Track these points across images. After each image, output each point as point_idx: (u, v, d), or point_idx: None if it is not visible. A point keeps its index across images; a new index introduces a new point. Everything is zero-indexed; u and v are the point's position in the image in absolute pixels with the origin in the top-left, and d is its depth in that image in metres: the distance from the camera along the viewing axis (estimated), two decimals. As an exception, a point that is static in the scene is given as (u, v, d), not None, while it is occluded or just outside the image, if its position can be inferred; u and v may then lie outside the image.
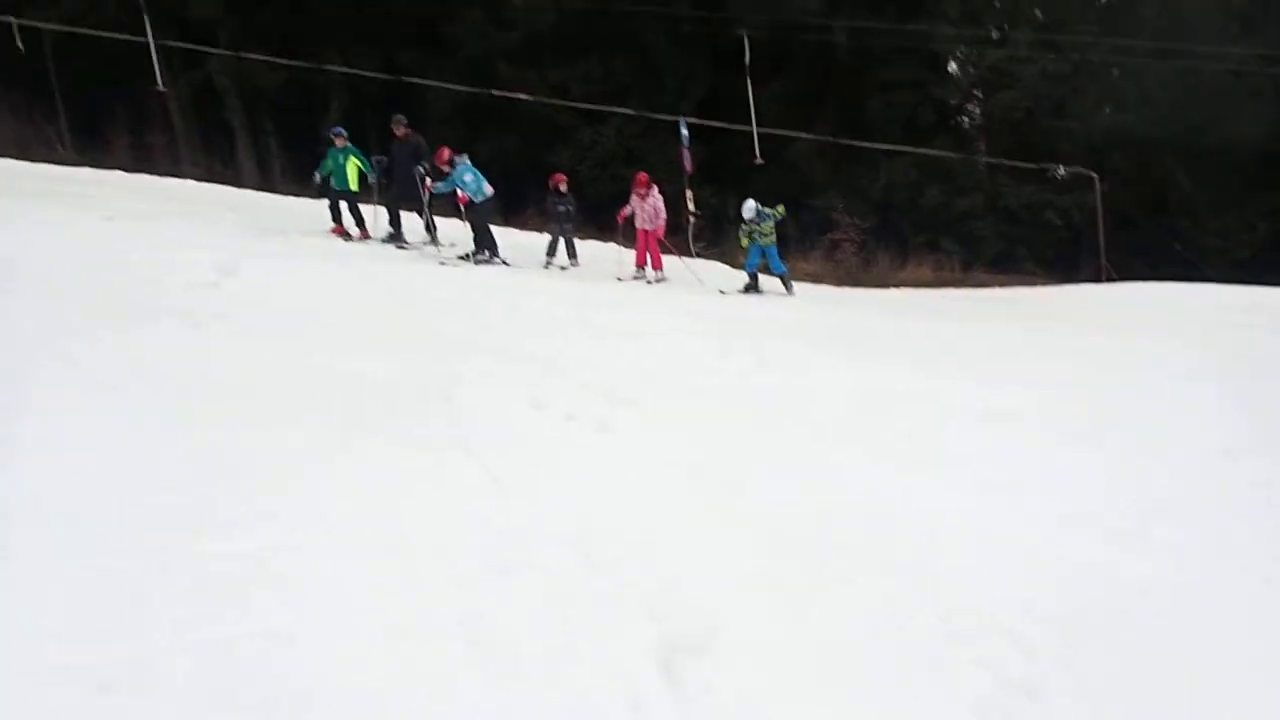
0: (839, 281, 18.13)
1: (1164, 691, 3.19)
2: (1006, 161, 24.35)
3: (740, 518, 4.26)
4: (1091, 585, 3.87)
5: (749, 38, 21.51)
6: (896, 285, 18.21)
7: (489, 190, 13.11)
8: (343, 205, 13.55)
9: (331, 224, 13.53)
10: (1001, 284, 19.36)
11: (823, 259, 21.48)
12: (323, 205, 14.14)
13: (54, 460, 3.92)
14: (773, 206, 13.59)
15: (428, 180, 13.31)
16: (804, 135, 23.44)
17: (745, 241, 13.57)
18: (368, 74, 23.83)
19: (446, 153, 13.41)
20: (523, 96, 22.41)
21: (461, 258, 12.77)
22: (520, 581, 3.41)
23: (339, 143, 13.42)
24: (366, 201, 13.77)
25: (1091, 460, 5.58)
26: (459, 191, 13.01)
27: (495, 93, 22.37)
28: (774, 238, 13.50)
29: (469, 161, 13.23)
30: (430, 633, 3.01)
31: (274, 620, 3.00)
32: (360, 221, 13.61)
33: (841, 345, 8.94)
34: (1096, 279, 21.36)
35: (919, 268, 21.10)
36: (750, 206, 13.54)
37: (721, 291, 13.22)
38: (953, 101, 26.26)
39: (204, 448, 4.33)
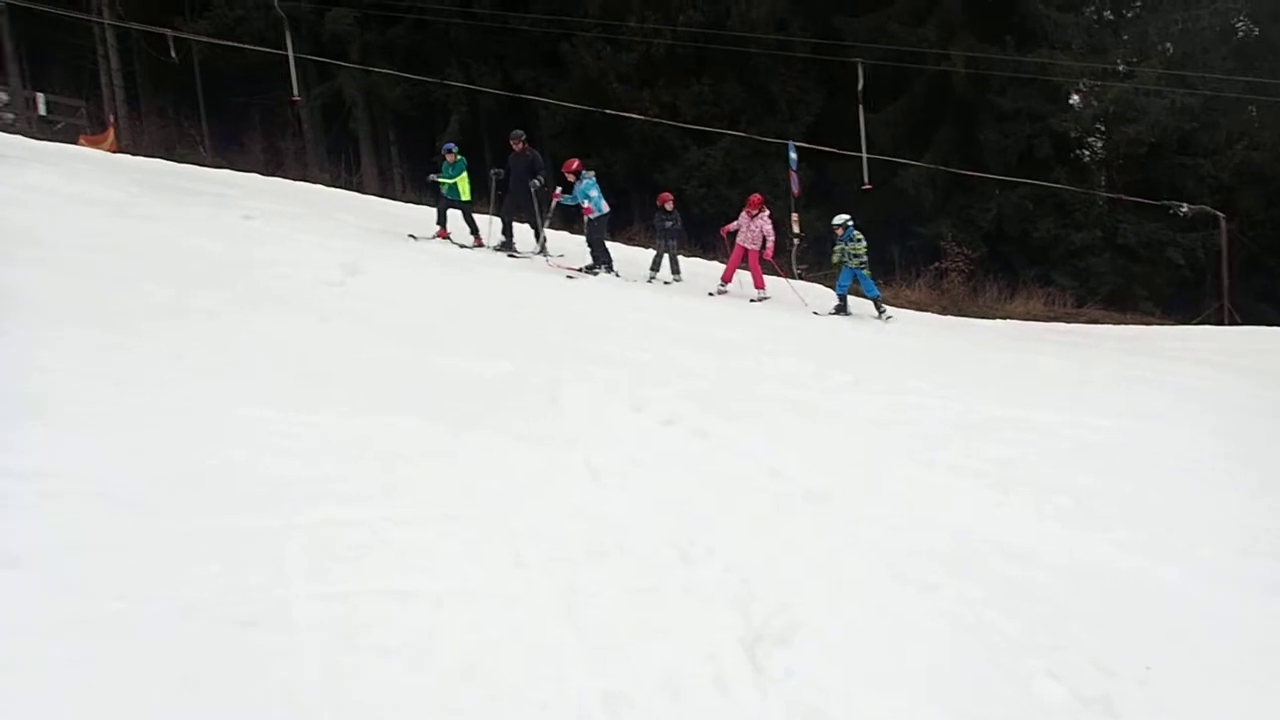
0: (943, 310, 17.89)
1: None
2: (1127, 197, 23.60)
3: (827, 525, 4.39)
4: (1177, 616, 3.85)
5: (862, 65, 21.47)
6: (1003, 317, 17.84)
7: (605, 207, 13.50)
8: (452, 213, 14.16)
9: (437, 226, 14.07)
10: (1116, 321, 18.76)
11: (928, 287, 21.20)
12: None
13: (207, 441, 4.34)
14: (860, 232, 13.68)
15: (558, 190, 13.82)
16: (915, 163, 23.22)
17: (835, 258, 13.61)
18: (486, 90, 24.72)
19: (576, 163, 13.83)
20: (635, 116, 22.87)
21: (577, 270, 13.12)
22: (616, 566, 3.63)
23: (450, 158, 14.03)
24: (480, 211, 14.33)
25: (1189, 494, 5.49)
26: (584, 204, 13.34)
27: (608, 112, 22.90)
28: (865, 259, 13.50)
29: (594, 177, 13.65)
30: (533, 604, 3.25)
31: (391, 582, 3.28)
32: (474, 230, 14.11)
33: (941, 371, 8.92)
34: (1219, 321, 20.48)
35: (1029, 301, 20.59)
36: (842, 217, 13.61)
37: (815, 312, 13.25)
38: (1073, 134, 25.57)
39: (329, 428, 4.71)
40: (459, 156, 14.10)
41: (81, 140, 22.39)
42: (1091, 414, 7.26)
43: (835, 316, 13.20)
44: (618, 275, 13.22)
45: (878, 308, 13.69)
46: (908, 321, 14.61)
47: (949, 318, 16.51)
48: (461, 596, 3.22)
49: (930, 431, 6.41)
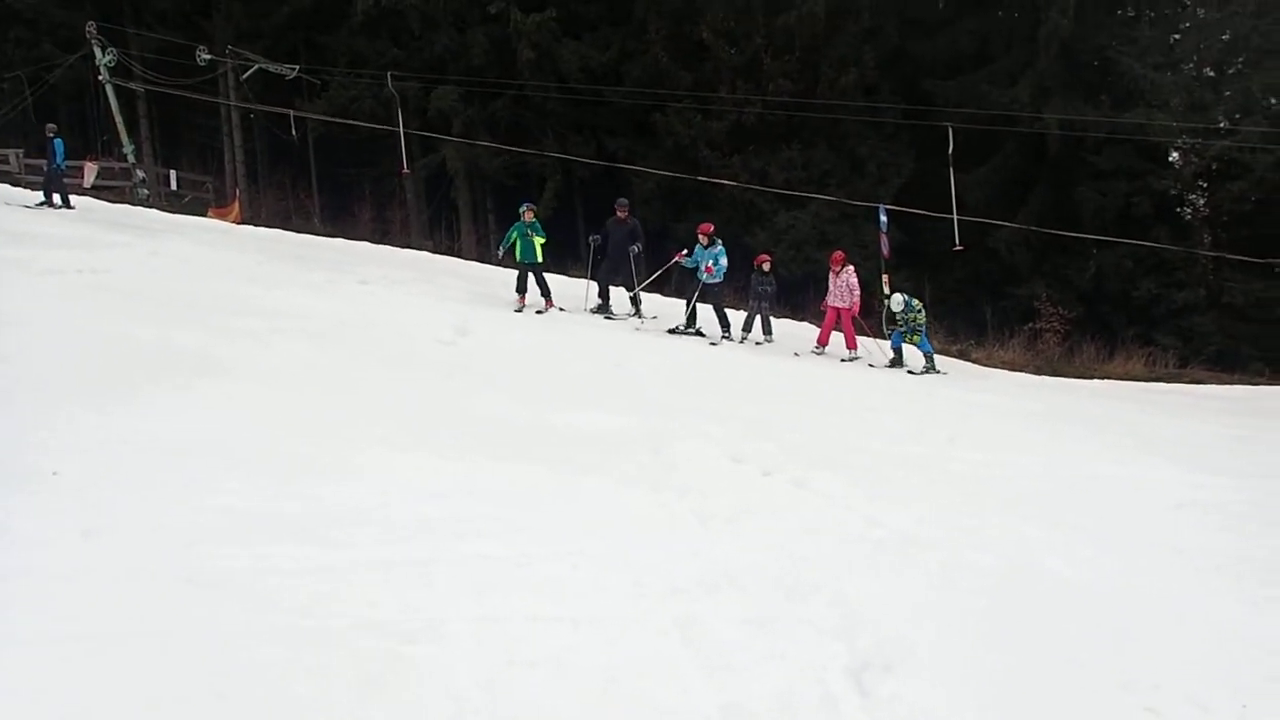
0: (1038, 370, 17.69)
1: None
2: (1232, 255, 22.96)
3: (926, 569, 4.62)
4: (1276, 662, 3.95)
5: (953, 128, 21.67)
6: (1101, 377, 17.53)
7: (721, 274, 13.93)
8: (530, 277, 13.72)
9: (516, 294, 13.62)
10: (1222, 382, 18.21)
11: (1022, 348, 20.93)
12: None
13: (359, 479, 4.86)
14: (920, 298, 13.88)
15: (682, 251, 14.28)
16: (1008, 224, 23.13)
17: (906, 332, 13.70)
18: (581, 159, 25.73)
19: (711, 227, 14.30)
20: (726, 183, 23.45)
21: (685, 331, 13.45)
22: (725, 598, 3.95)
23: (528, 216, 13.81)
24: (578, 275, 14.93)
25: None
26: (708, 265, 13.71)
27: (700, 179, 23.56)
28: (921, 326, 13.68)
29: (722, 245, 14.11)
30: (655, 630, 3.60)
31: (530, 607, 3.69)
32: (547, 292, 13.67)
33: (1037, 429, 8.99)
34: (1334, 382, 19.66)
35: (1128, 361, 20.11)
36: (899, 299, 13.73)
37: (870, 365, 13.35)
38: (1173, 191, 25.11)
39: (464, 474, 5.19)
40: (535, 217, 13.95)
41: (210, 212, 24.14)
42: (1192, 471, 7.27)
43: (927, 374, 13.28)
44: (740, 341, 13.57)
45: (928, 361, 13.70)
46: (1003, 380, 14.58)
47: (1044, 378, 16.36)
48: (592, 622, 3.59)
49: (1026, 487, 6.56)
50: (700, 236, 14.10)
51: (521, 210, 14.07)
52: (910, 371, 13.33)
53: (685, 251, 14.17)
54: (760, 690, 3.25)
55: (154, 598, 3.42)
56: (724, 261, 13.80)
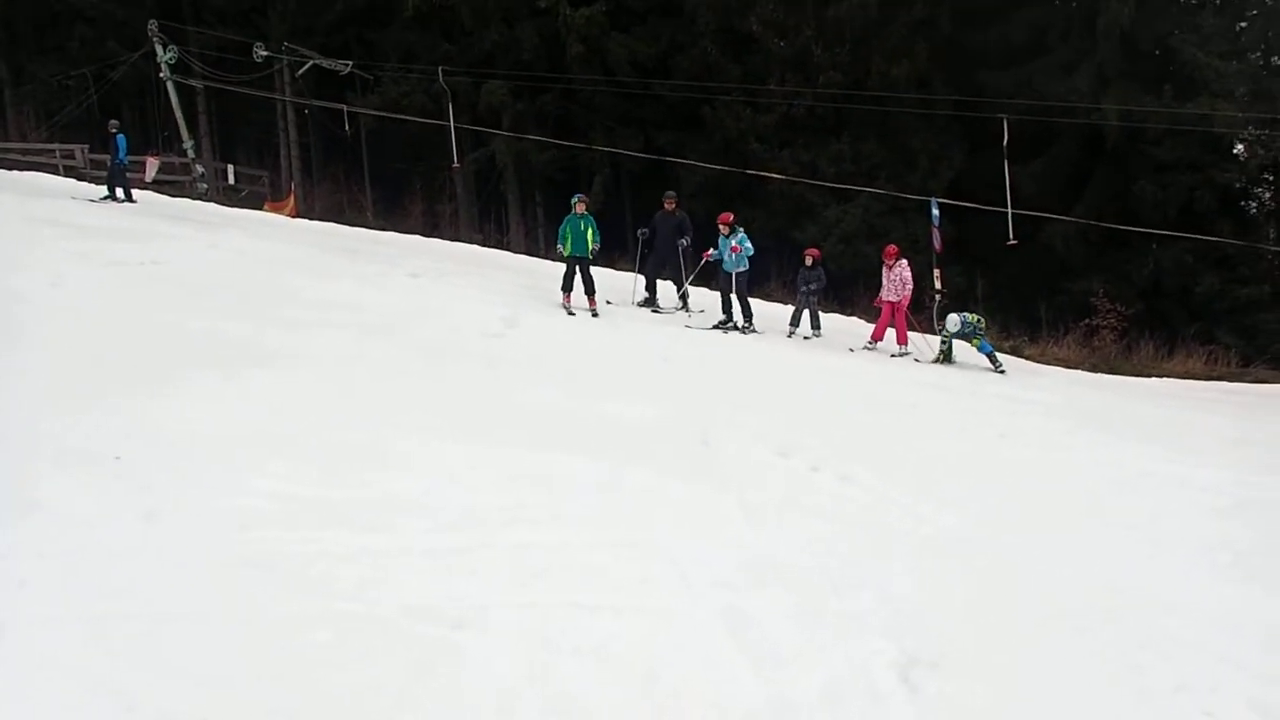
0: (1094, 368, 17.29)
1: None
2: (1299, 250, 22.24)
3: (975, 567, 4.55)
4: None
5: (1008, 120, 21.24)
6: (1160, 375, 17.07)
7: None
8: (576, 273, 12.88)
9: (562, 293, 12.79)
10: (1286, 381, 17.64)
11: (1077, 345, 20.47)
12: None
13: (406, 467, 4.93)
14: (974, 314, 13.65)
15: (709, 250, 14.21)
16: (1064, 218, 22.62)
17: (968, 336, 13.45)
18: (629, 153, 25.72)
19: (730, 216, 14.22)
20: (775, 176, 23.27)
21: (727, 327, 13.39)
22: (772, 592, 3.93)
23: (580, 209, 13.18)
24: (624, 268, 14.92)
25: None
26: (734, 246, 13.60)
27: (748, 172, 23.42)
28: (983, 327, 13.46)
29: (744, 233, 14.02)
30: (701, 621, 3.60)
31: (575, 596, 3.71)
32: (591, 289, 12.97)
33: (1091, 427, 8.80)
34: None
35: (1188, 359, 19.55)
36: (954, 320, 13.45)
37: (916, 359, 13.13)
38: (1238, 184, 24.36)
39: (509, 463, 5.23)
40: (588, 210, 13.32)
41: (266, 206, 24.60)
42: (1252, 472, 7.06)
43: (945, 365, 13.04)
44: (758, 331, 13.45)
45: (993, 360, 13.44)
46: (1057, 378, 14.29)
47: (1100, 375, 15.99)
48: (638, 612, 3.60)
49: (1080, 485, 6.42)
50: (720, 226, 14.00)
51: (574, 202, 13.45)
52: (917, 360, 13.11)
53: (712, 250, 14.04)
54: (806, 684, 3.23)
55: (208, 579, 3.51)
56: (749, 245, 13.67)
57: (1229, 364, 19.80)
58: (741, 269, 13.63)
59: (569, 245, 13.03)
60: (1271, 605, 4.48)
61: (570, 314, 12.45)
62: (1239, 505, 6.10)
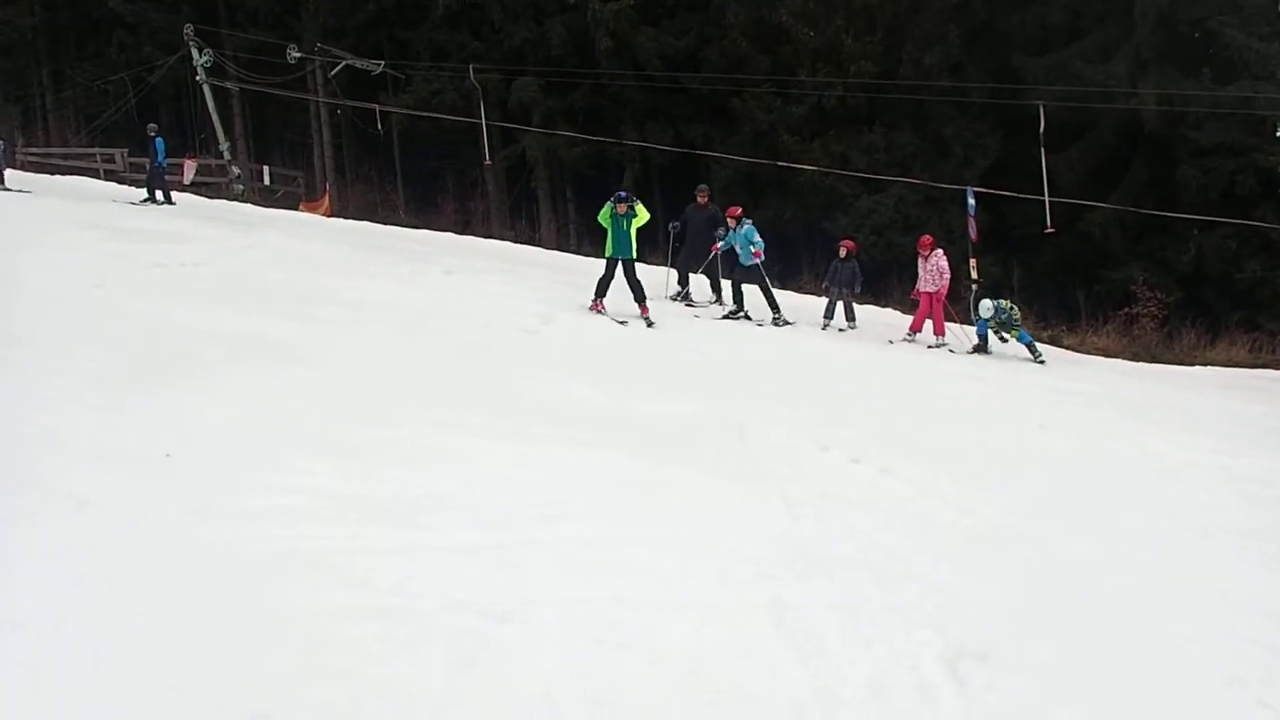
0: (1134, 357, 17.01)
1: None
2: (1345, 234, 21.71)
3: (1020, 559, 4.50)
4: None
5: (1044, 107, 20.93)
6: (1203, 364, 16.76)
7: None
8: (619, 275, 11.53)
9: (594, 297, 11.53)
10: (1334, 368, 17.25)
11: (1117, 333, 20.16)
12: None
13: (445, 463, 4.96)
14: (1007, 300, 13.41)
15: (717, 243, 14.10)
16: (1102, 204, 22.26)
17: (1002, 325, 13.25)
18: (659, 147, 25.68)
19: (739, 210, 14.16)
20: (807, 167, 23.11)
21: (737, 316, 13.29)
22: (817, 585, 3.91)
23: (621, 209, 11.68)
24: (656, 263, 14.88)
25: None
26: (755, 249, 13.52)
27: (780, 164, 23.29)
28: (1018, 318, 13.22)
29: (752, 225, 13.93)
30: (744, 613, 3.59)
31: (619, 590, 3.71)
32: (641, 296, 11.53)
33: (1133, 417, 8.65)
34: None
35: (1231, 347, 19.16)
36: (987, 305, 13.25)
37: (951, 350, 12.97)
38: (1280, 168, 23.85)
39: (548, 460, 5.25)
40: (631, 206, 11.83)
41: (301, 206, 24.91)
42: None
43: (1034, 363, 12.87)
44: (760, 324, 13.28)
45: (1032, 351, 13.23)
46: (1097, 368, 14.08)
47: (1140, 364, 15.73)
48: (680, 606, 3.59)
49: (1123, 475, 6.33)
50: (729, 220, 13.91)
51: (615, 203, 11.82)
52: (951, 351, 12.95)
53: (719, 241, 13.91)
54: (853, 676, 3.21)
55: (254, 575, 3.55)
56: (757, 238, 13.55)
57: (1274, 351, 19.40)
58: (752, 262, 13.52)
59: (610, 244, 11.73)
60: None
61: (621, 322, 11.11)
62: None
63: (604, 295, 11.49)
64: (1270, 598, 4.37)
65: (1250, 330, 20.55)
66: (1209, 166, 22.85)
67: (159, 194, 17.11)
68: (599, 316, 11.67)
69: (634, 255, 11.82)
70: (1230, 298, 22.67)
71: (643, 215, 11.78)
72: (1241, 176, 22.65)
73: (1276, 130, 23.64)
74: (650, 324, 11.27)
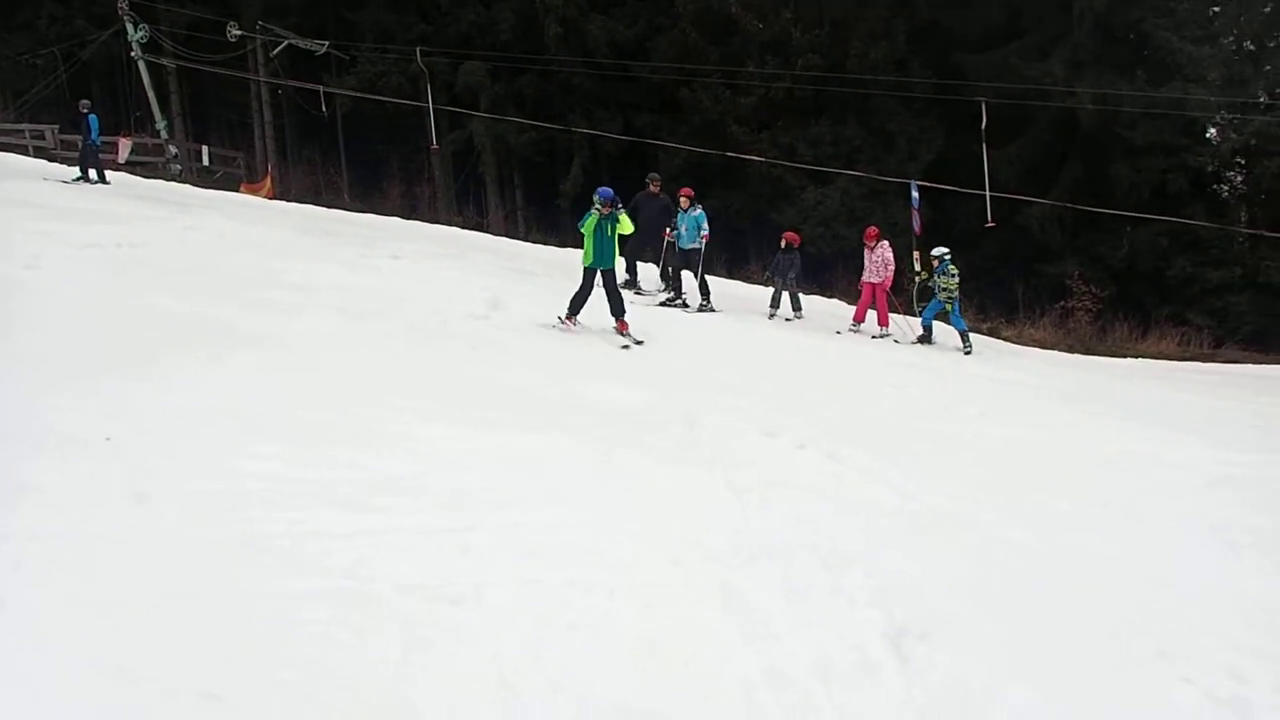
0: (1070, 349, 17.52)
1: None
2: (1269, 234, 22.57)
3: (960, 542, 4.64)
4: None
5: (986, 103, 21.38)
6: (1134, 356, 17.34)
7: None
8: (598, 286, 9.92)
9: (565, 316, 9.79)
10: (1257, 361, 17.96)
11: (1054, 326, 20.74)
12: (564, 254, 15.07)
13: (395, 449, 4.94)
14: (953, 262, 13.67)
15: (669, 230, 14.14)
16: (1040, 200, 22.85)
17: (930, 285, 13.59)
18: (608, 135, 25.64)
19: (691, 191, 14.20)
20: (754, 159, 23.30)
21: (674, 304, 13.36)
22: (763, 568, 3.99)
23: (606, 210, 9.83)
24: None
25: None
26: (704, 232, 13.59)
27: (727, 154, 23.42)
28: (955, 294, 13.49)
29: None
30: (693, 596, 3.65)
31: (570, 574, 3.74)
32: (620, 309, 9.96)
33: (1070, 406, 8.93)
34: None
35: (1161, 340, 19.87)
36: (940, 250, 13.64)
37: (896, 341, 13.28)
38: (1210, 168, 24.66)
39: (497, 445, 5.25)
40: (614, 208, 9.92)
41: (242, 188, 24.35)
42: (1226, 449, 7.22)
43: (924, 345, 13.18)
44: (715, 310, 13.36)
45: (963, 340, 13.58)
46: (1035, 359, 14.48)
47: (1076, 356, 16.21)
48: (632, 589, 3.65)
49: (1059, 462, 6.54)
50: (681, 199, 14.03)
51: (596, 202, 9.93)
52: (896, 341, 13.25)
53: (670, 229, 14.00)
54: (800, 655, 3.29)
55: (202, 559, 3.51)
56: (705, 225, 13.71)
57: (1201, 345, 20.14)
58: (694, 245, 13.64)
59: (589, 253, 9.97)
60: (1249, 577, 4.61)
61: (563, 328, 9.62)
62: (1216, 481, 6.25)
63: (579, 312, 9.81)
64: (1198, 579, 4.57)
65: (1179, 324, 21.30)
66: (1141, 165, 23.57)
67: (92, 173, 16.60)
68: (547, 303, 11.61)
69: (614, 264, 10.20)
70: (1160, 293, 23.45)
71: (625, 225, 10.16)
72: (1173, 175, 23.40)
73: (1207, 131, 24.48)
74: (631, 344, 9.43)
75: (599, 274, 9.97)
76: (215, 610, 3.19)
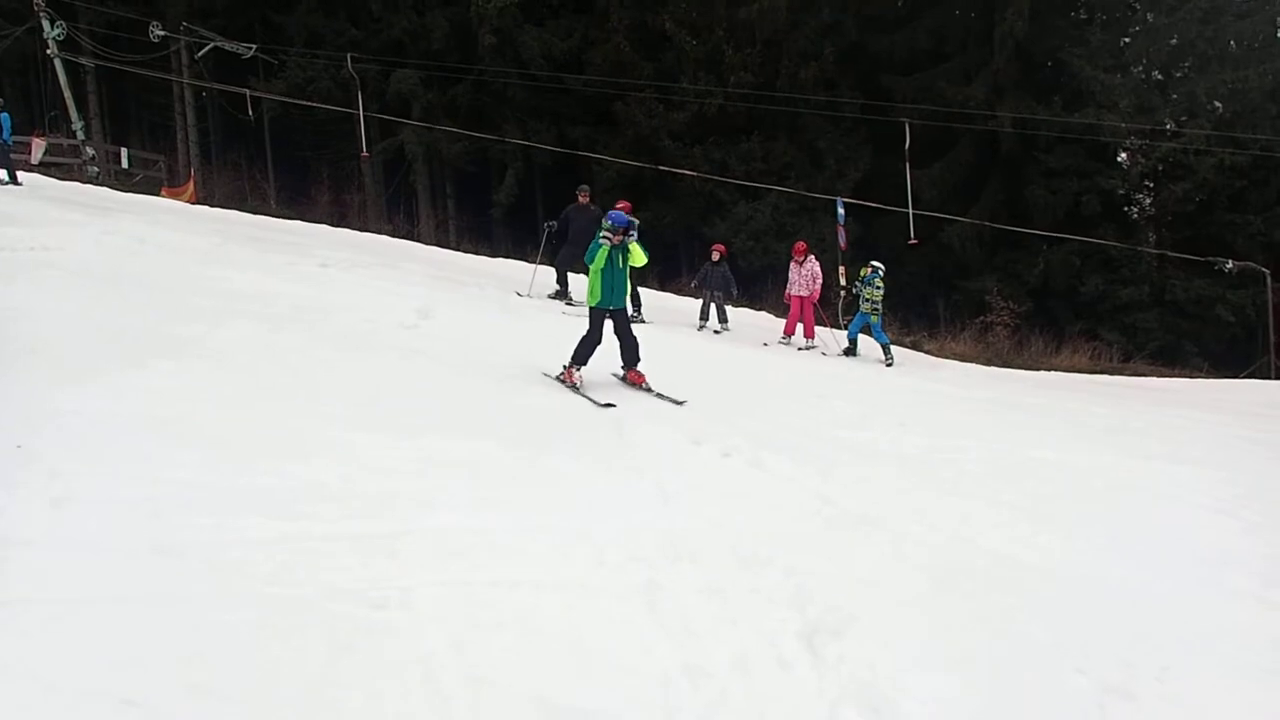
0: (988, 362, 18.13)
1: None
2: (1174, 254, 23.70)
3: (874, 543, 4.82)
4: (1189, 625, 4.24)
5: (910, 124, 22.07)
6: (1049, 369, 18.03)
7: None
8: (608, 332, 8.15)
9: (569, 366, 7.98)
10: (1162, 376, 18.84)
11: (973, 340, 21.44)
12: (496, 264, 15.09)
13: (321, 455, 4.92)
14: (883, 278, 14.07)
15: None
16: (961, 219, 23.63)
17: (862, 303, 13.98)
18: (541, 146, 25.69)
19: (629, 205, 14.32)
20: (687, 173, 23.61)
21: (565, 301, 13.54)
22: (686, 569, 4.10)
23: (618, 239, 8.19)
24: (531, 260, 14.93)
25: (1226, 528, 5.83)
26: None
27: (660, 168, 23.68)
28: (878, 306, 13.89)
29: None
30: (617, 595, 3.74)
31: (495, 574, 3.80)
32: (635, 357, 8.43)
33: (985, 416, 9.28)
34: (1266, 376, 20.42)
35: (1074, 355, 20.69)
36: (875, 264, 14.06)
37: (823, 353, 13.65)
38: (1120, 191, 25.81)
39: (423, 451, 5.27)
40: (626, 234, 8.21)
41: (163, 192, 23.71)
42: (1127, 456, 7.59)
43: (885, 366, 13.56)
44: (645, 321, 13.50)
45: (885, 352, 13.99)
46: (954, 371, 14.94)
47: (993, 369, 16.78)
48: (557, 587, 3.72)
49: (972, 470, 6.79)
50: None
51: (603, 231, 8.32)
52: (823, 353, 13.61)
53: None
54: (718, 652, 3.41)
55: (122, 564, 3.48)
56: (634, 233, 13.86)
57: (1111, 359, 21.02)
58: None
59: (599, 290, 8.21)
60: (1139, 576, 4.88)
61: (568, 386, 7.87)
62: (1115, 487, 6.58)
63: (585, 362, 8.06)
64: (1090, 575, 4.82)
65: (1091, 339, 22.20)
66: (1057, 187, 24.56)
67: (3, 173, 16.04)
68: (478, 313, 11.60)
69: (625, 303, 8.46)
70: (1074, 309, 24.43)
71: (637, 255, 8.29)
72: (1086, 198, 24.42)
73: (1118, 156, 25.61)
74: (610, 406, 7.29)
75: (611, 315, 8.25)
76: (135, 614, 3.17)
